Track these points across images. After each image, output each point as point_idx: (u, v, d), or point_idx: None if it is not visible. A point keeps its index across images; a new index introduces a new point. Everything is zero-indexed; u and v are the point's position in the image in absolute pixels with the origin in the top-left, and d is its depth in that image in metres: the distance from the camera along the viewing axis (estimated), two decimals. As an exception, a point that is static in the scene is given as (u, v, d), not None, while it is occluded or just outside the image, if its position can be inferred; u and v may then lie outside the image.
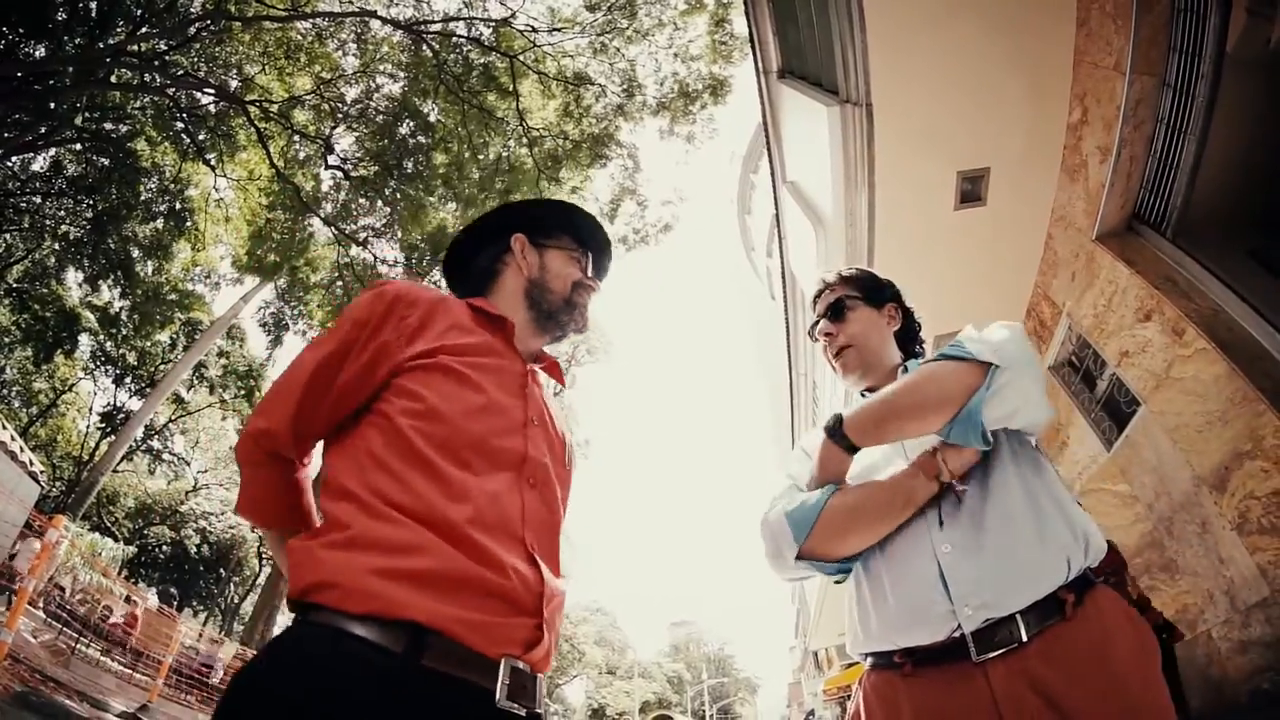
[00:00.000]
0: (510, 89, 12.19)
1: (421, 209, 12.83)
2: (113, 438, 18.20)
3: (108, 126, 12.73)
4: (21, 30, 10.00)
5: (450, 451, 0.91)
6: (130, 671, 8.58)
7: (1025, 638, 0.97)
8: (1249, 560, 3.39)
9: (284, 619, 22.68)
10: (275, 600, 15.82)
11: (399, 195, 12.86)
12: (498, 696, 0.80)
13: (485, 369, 1.00)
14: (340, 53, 12.70)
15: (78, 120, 12.13)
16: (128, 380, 20.02)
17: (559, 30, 12.52)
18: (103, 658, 8.51)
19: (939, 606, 1.03)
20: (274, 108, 12.18)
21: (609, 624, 57.29)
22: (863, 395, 1.38)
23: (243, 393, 20.19)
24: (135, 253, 14.49)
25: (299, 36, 12.11)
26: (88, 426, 21.25)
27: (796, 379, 9.13)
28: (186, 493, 25.09)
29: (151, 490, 24.90)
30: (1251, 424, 3.17)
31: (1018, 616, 0.98)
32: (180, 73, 11.56)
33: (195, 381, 20.42)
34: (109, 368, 19.80)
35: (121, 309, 16.89)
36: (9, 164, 12.76)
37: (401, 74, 12.69)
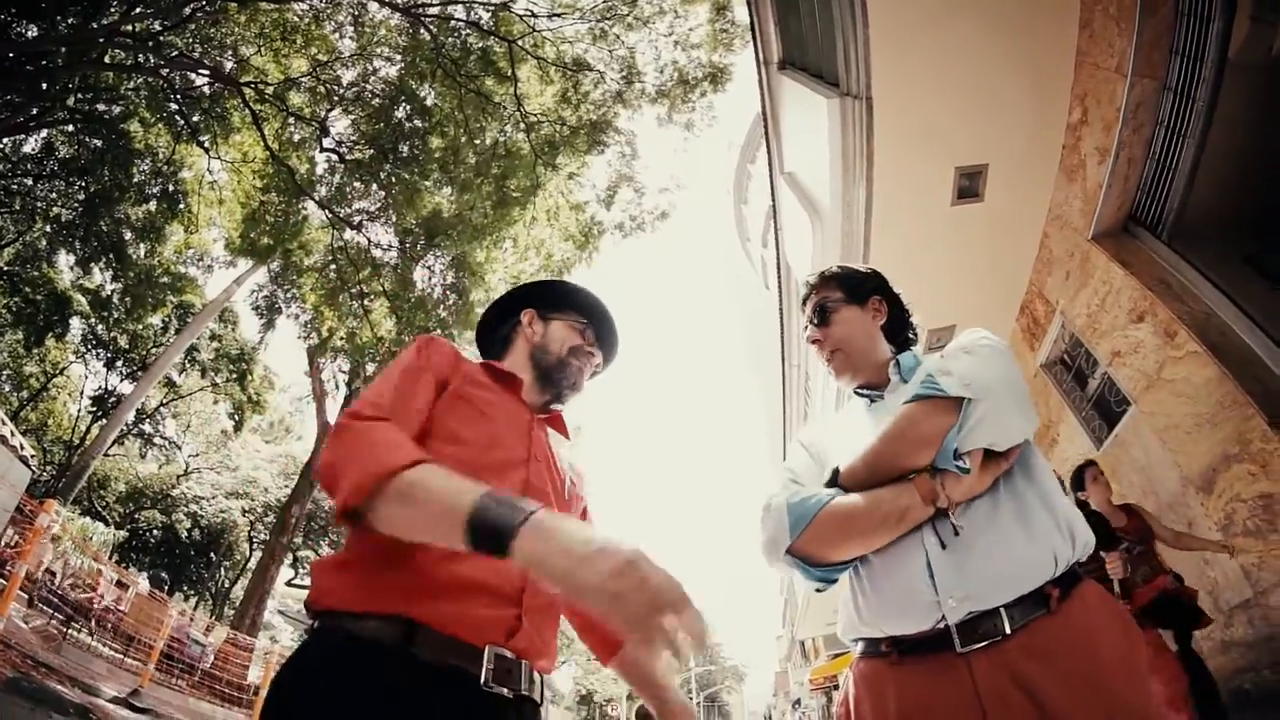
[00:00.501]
0: (508, 74, 12.06)
1: (417, 193, 12.70)
2: (104, 421, 18.08)
3: (101, 108, 12.50)
4: (13, 9, 9.82)
5: (468, 469, 0.96)
6: (121, 656, 8.59)
7: (1009, 630, 0.99)
8: (1233, 562, 3.43)
9: (274, 604, 22.78)
10: (265, 586, 15.84)
11: (394, 179, 12.72)
12: (482, 679, 0.88)
13: (496, 407, 1.16)
14: (337, 35, 12.51)
15: (70, 101, 11.92)
16: (119, 364, 19.85)
17: (559, 15, 12.40)
18: (94, 642, 8.52)
19: (924, 597, 1.05)
20: (269, 90, 12.01)
21: (598, 610, 57.71)
22: (857, 393, 1.40)
23: (234, 376, 20.05)
24: (128, 235, 14.30)
25: (295, 18, 11.93)
26: (79, 410, 21.09)
27: (789, 370, 9.15)
28: (178, 477, 24.96)
29: (142, 474, 24.78)
30: (1240, 427, 3.20)
31: (1001, 610, 1.00)
32: (175, 54, 11.38)
33: (187, 365, 20.24)
34: (100, 351, 19.60)
35: (113, 292, 16.71)
36: (0, 145, 12.59)
37: (398, 57, 12.53)
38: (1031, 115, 4.14)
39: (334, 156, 13.16)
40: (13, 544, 6.51)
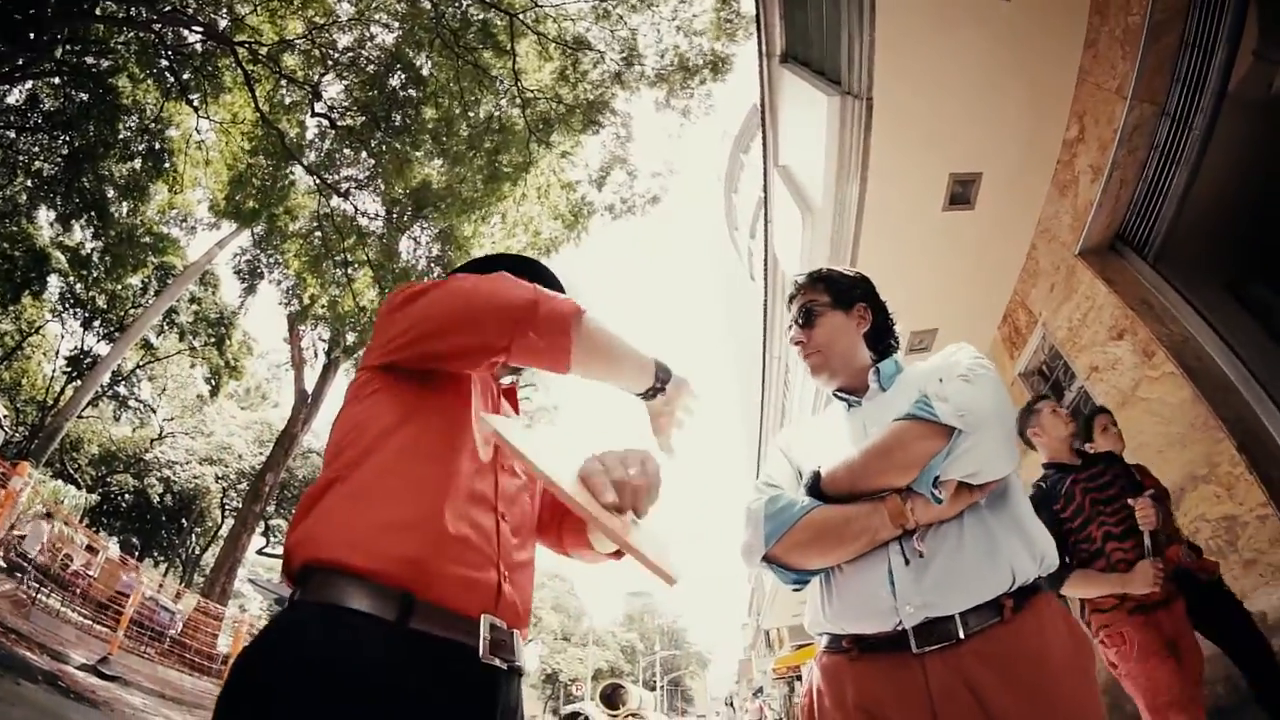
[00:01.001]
0: (507, 48, 11.88)
1: (407, 163, 12.50)
2: (79, 383, 17.77)
3: (89, 61, 12.12)
4: (3, -44, 9.48)
5: (450, 427, 1.05)
6: (90, 623, 8.51)
7: (962, 635, 1.05)
8: (1194, 578, 3.51)
9: (244, 572, 22.60)
10: (237, 554, 15.77)
11: (384, 148, 12.51)
12: (481, 651, 0.87)
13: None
14: (335, -2, 12.25)
15: (58, 53, 11.55)
16: (96, 324, 19.47)
17: (562, -8, 12.21)
18: (63, 608, 8.43)
19: (884, 603, 1.10)
20: (263, 50, 11.74)
21: (566, 590, 58.03)
22: (835, 395, 1.44)
23: (213, 340, 19.76)
24: (110, 193, 13.91)
25: (293, -23, 11.65)
26: (53, 370, 20.66)
27: (770, 360, 9.18)
28: (151, 441, 24.65)
29: (116, 437, 24.45)
30: (1209, 450, 3.28)
31: (957, 616, 1.05)
32: (168, 9, 11.09)
33: (165, 327, 19.91)
34: (78, 310, 19.18)
35: (93, 250, 16.29)
36: (-17, 95, 12.19)
37: (396, 24, 12.29)
38: (1029, 128, 4.16)
39: (325, 122, 12.94)
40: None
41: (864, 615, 1.13)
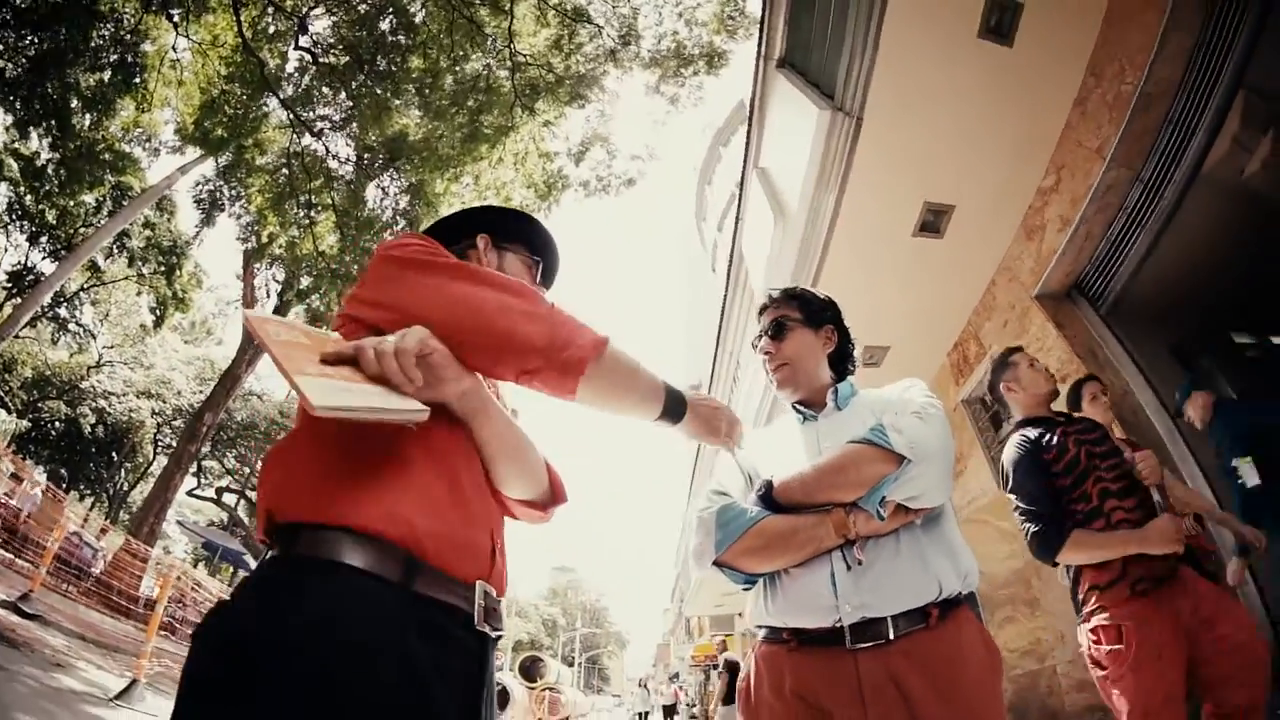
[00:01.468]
0: (506, 7, 11.62)
1: (386, 110, 12.15)
2: (18, 300, 16.88)
3: (68, -42, 11.39)
4: None
5: None
6: (13, 557, 8.14)
7: (892, 636, 1.19)
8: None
9: (173, 513, 21.88)
10: (168, 494, 15.27)
11: (365, 91, 12.12)
12: (476, 618, 0.88)
13: None
14: (334, -71, 11.73)
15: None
16: (44, 239, 18.36)
17: (569, -41, 11.95)
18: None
19: (826, 600, 1.24)
20: (253, -27, 11.22)
21: (490, 559, 57.80)
22: (794, 407, 1.55)
23: (163, 269, 18.87)
24: (75, 103, 13.06)
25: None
26: (-8, 285, 19.59)
27: (722, 354, 9.32)
28: (89, 368, 23.57)
29: (52, 361, 23.31)
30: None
31: (889, 618, 1.19)
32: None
33: (115, 251, 18.95)
34: (25, 223, 18.03)
35: (49, 162, 15.27)
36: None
37: (396, -36, 11.86)
38: (1008, 170, 4.28)
39: (307, 56, 12.44)
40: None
41: (807, 611, 1.26)
